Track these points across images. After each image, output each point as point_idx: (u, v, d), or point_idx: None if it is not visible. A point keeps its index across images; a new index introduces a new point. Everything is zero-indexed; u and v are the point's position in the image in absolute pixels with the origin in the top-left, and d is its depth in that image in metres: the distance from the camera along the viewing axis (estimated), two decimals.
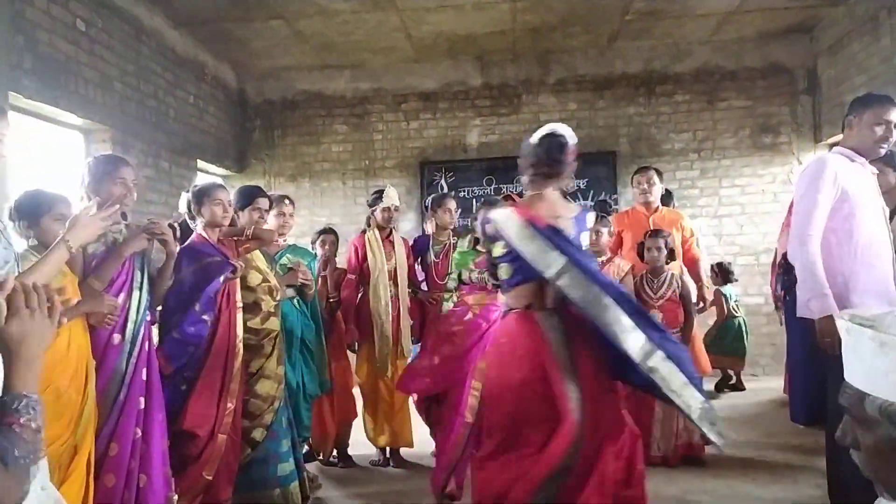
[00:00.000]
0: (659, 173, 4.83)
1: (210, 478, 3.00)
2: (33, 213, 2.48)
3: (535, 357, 2.40)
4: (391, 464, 4.35)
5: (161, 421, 2.81)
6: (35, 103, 4.13)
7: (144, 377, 2.74)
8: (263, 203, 3.57)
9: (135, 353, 2.72)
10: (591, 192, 7.09)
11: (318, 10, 5.69)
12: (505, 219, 2.47)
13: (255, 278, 3.36)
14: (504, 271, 2.51)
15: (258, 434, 3.27)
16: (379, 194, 4.44)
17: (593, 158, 7.07)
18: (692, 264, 4.68)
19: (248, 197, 3.57)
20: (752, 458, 4.11)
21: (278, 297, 3.47)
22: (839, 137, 6.47)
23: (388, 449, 4.38)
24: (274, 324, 3.40)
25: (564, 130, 2.63)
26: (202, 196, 3.20)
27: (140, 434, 2.69)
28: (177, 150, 5.87)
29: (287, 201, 4.06)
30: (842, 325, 1.09)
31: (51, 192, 2.58)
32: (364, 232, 4.48)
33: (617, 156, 7.10)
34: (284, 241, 4.08)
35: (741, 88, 7.03)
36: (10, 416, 1.13)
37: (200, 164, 6.40)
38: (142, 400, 2.72)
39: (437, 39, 6.55)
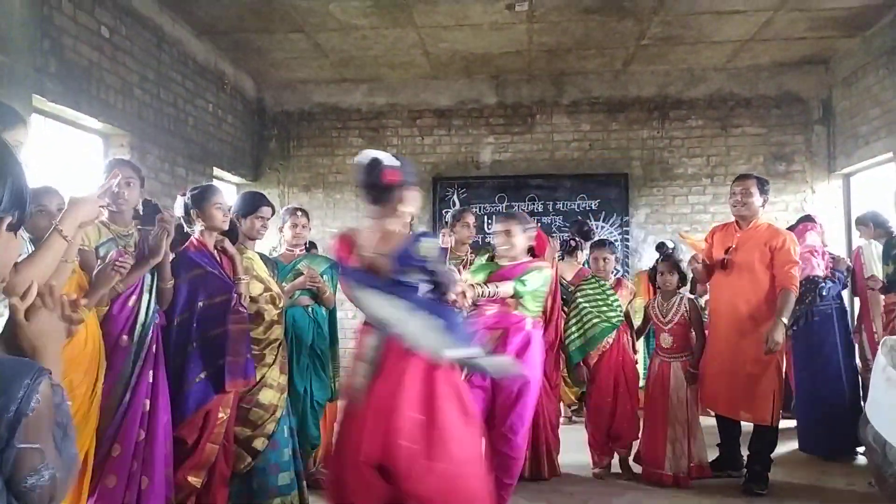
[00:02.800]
0: (761, 183, 4.00)
1: (197, 483, 2.98)
2: None
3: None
4: None
5: (165, 423, 2.82)
6: (58, 107, 4.22)
7: (150, 379, 2.76)
8: (266, 212, 3.54)
9: (142, 356, 2.74)
10: (603, 213, 7.11)
11: (338, 25, 5.78)
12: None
13: (256, 288, 3.35)
14: None
15: (259, 443, 3.27)
16: None
17: (605, 180, 7.11)
18: (778, 291, 3.81)
19: (252, 204, 3.53)
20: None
21: (281, 305, 3.49)
22: (853, 168, 6.55)
23: None
24: (277, 332, 3.41)
25: (381, 155, 2.59)
26: (202, 199, 3.11)
27: (143, 436, 2.71)
28: (194, 157, 5.94)
29: (300, 213, 4.10)
30: (882, 349, 1.08)
31: (40, 187, 2.57)
32: None
33: (629, 178, 7.12)
34: (301, 251, 4.12)
35: (755, 116, 7.05)
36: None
37: (216, 171, 6.47)
38: (147, 402, 2.74)
39: (454, 57, 6.62)
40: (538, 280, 3.43)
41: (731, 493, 3.93)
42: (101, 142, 4.92)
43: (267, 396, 3.31)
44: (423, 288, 2.52)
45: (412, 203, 2.63)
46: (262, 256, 3.63)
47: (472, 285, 3.11)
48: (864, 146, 6.24)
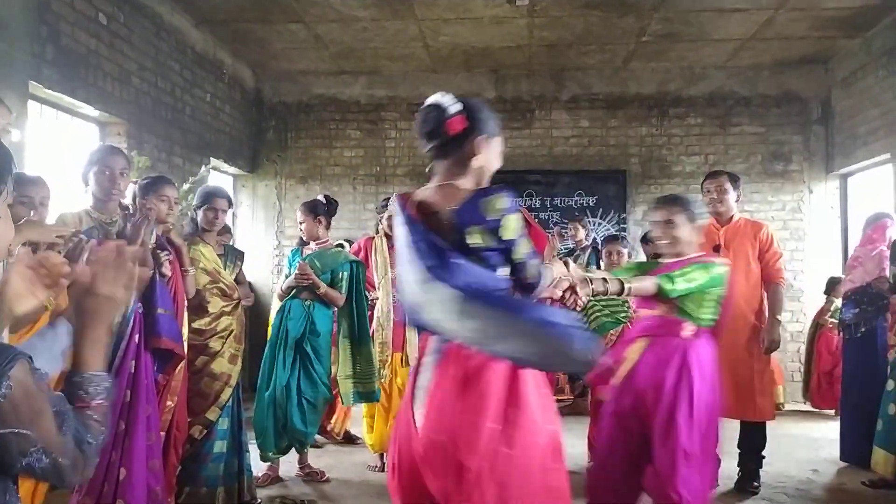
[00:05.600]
0: (733, 179, 4.04)
1: None
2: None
3: None
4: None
5: (149, 415, 2.80)
6: (54, 94, 4.19)
7: (132, 370, 2.73)
8: (220, 203, 3.59)
9: (121, 347, 2.70)
10: (601, 209, 7.10)
11: (338, 16, 5.75)
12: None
13: (200, 279, 3.42)
14: None
15: (196, 431, 3.38)
16: (387, 202, 4.47)
17: (603, 177, 7.10)
18: (766, 285, 3.91)
19: (204, 197, 3.61)
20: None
21: (235, 297, 3.56)
22: (851, 168, 6.55)
23: (385, 454, 4.38)
24: (225, 323, 3.48)
25: (443, 100, 2.05)
26: (148, 190, 3.13)
27: (123, 427, 2.68)
28: (191, 147, 5.92)
29: (303, 209, 4.14)
30: None
31: (26, 175, 2.55)
32: (373, 237, 4.52)
33: (627, 175, 7.12)
34: (318, 245, 4.13)
35: (754, 115, 7.05)
36: (80, 399, 1.10)
37: (213, 161, 6.44)
38: (127, 393, 2.70)
39: (454, 51, 6.60)
40: (701, 277, 2.66)
41: (722, 491, 3.94)
42: (98, 130, 4.90)
43: (209, 386, 3.40)
44: (502, 269, 1.92)
45: (490, 155, 2.02)
46: (227, 248, 3.72)
47: (586, 279, 2.36)
48: (863, 147, 6.24)
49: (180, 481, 3.36)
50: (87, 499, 2.59)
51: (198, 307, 3.41)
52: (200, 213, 3.56)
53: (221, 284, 3.49)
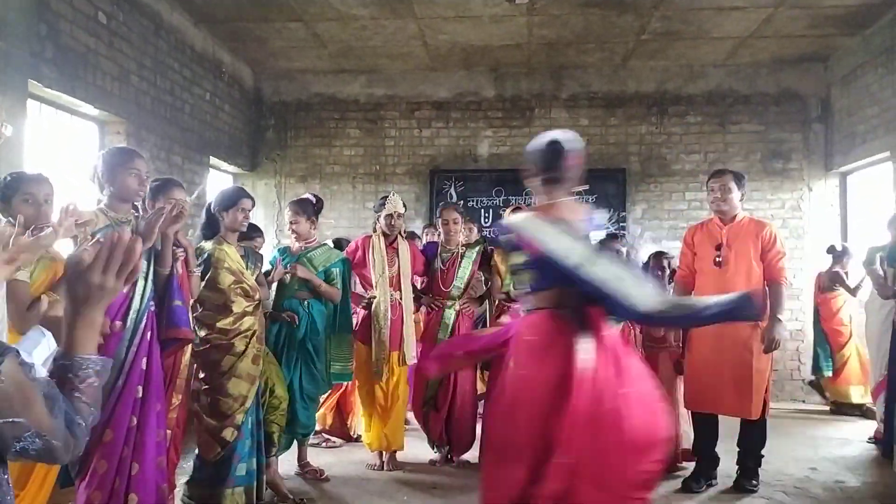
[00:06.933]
0: (738, 178, 4.06)
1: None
2: (4, 194, 2.53)
3: (565, 353, 2.23)
4: (386, 468, 4.35)
5: (158, 411, 2.82)
6: (54, 93, 4.19)
7: (144, 366, 2.76)
8: (247, 203, 3.57)
9: (135, 342, 2.74)
10: (600, 208, 7.10)
11: (338, 15, 5.75)
12: (526, 221, 2.44)
13: (225, 279, 3.41)
14: (528, 278, 2.43)
15: (228, 434, 3.33)
16: (384, 200, 4.46)
17: (603, 175, 7.10)
18: (768, 284, 3.86)
19: (232, 198, 3.56)
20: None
21: (257, 297, 3.55)
22: (851, 166, 6.55)
23: (384, 453, 4.39)
24: (248, 323, 3.46)
25: (563, 136, 2.55)
26: (158, 192, 3.15)
27: (135, 422, 2.71)
28: (190, 146, 5.92)
29: (296, 209, 4.12)
30: None
31: (28, 173, 2.58)
32: (370, 235, 4.51)
33: (626, 173, 7.12)
34: (308, 243, 4.13)
35: (754, 113, 7.05)
36: (70, 382, 1.13)
37: (213, 160, 6.45)
38: (139, 389, 2.73)
39: (453, 49, 6.60)
40: None
41: (720, 490, 3.95)
42: (97, 128, 4.90)
43: (237, 387, 3.36)
44: None
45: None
46: (247, 250, 3.69)
47: None
48: (862, 145, 6.25)
49: (210, 483, 3.35)
50: (98, 493, 2.61)
51: (223, 307, 3.39)
52: (228, 215, 3.51)
53: (244, 285, 3.47)
